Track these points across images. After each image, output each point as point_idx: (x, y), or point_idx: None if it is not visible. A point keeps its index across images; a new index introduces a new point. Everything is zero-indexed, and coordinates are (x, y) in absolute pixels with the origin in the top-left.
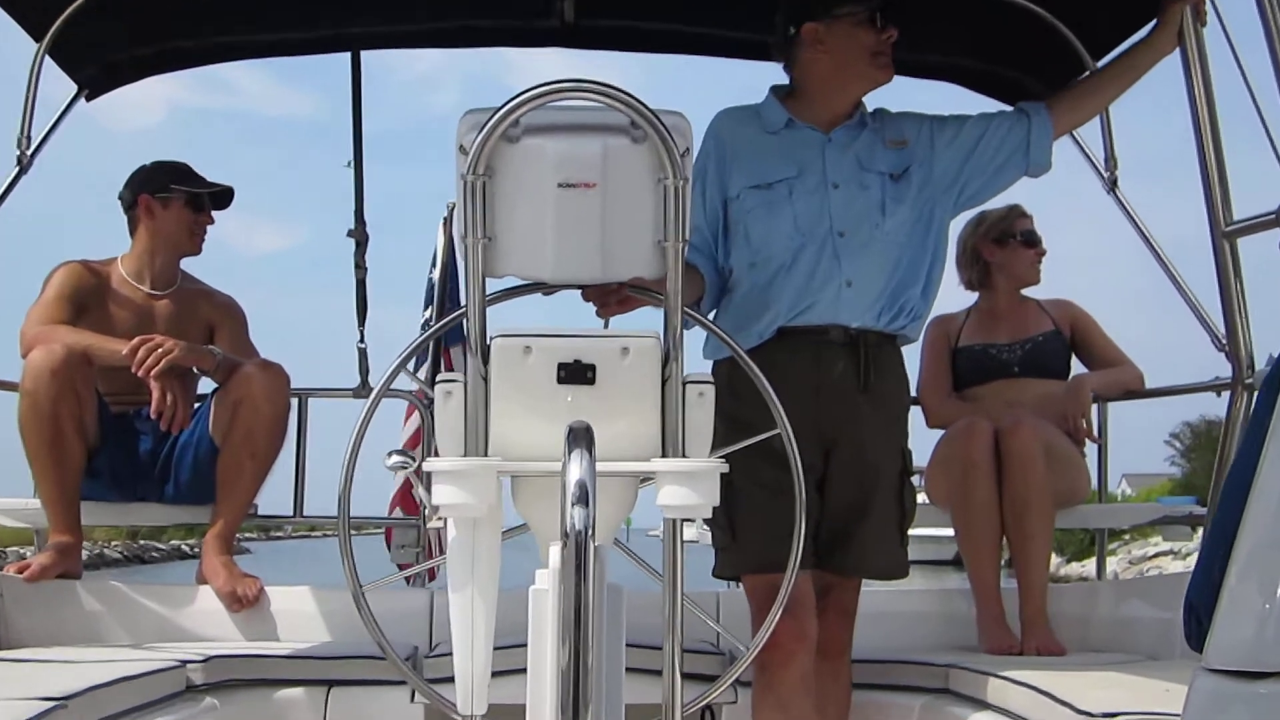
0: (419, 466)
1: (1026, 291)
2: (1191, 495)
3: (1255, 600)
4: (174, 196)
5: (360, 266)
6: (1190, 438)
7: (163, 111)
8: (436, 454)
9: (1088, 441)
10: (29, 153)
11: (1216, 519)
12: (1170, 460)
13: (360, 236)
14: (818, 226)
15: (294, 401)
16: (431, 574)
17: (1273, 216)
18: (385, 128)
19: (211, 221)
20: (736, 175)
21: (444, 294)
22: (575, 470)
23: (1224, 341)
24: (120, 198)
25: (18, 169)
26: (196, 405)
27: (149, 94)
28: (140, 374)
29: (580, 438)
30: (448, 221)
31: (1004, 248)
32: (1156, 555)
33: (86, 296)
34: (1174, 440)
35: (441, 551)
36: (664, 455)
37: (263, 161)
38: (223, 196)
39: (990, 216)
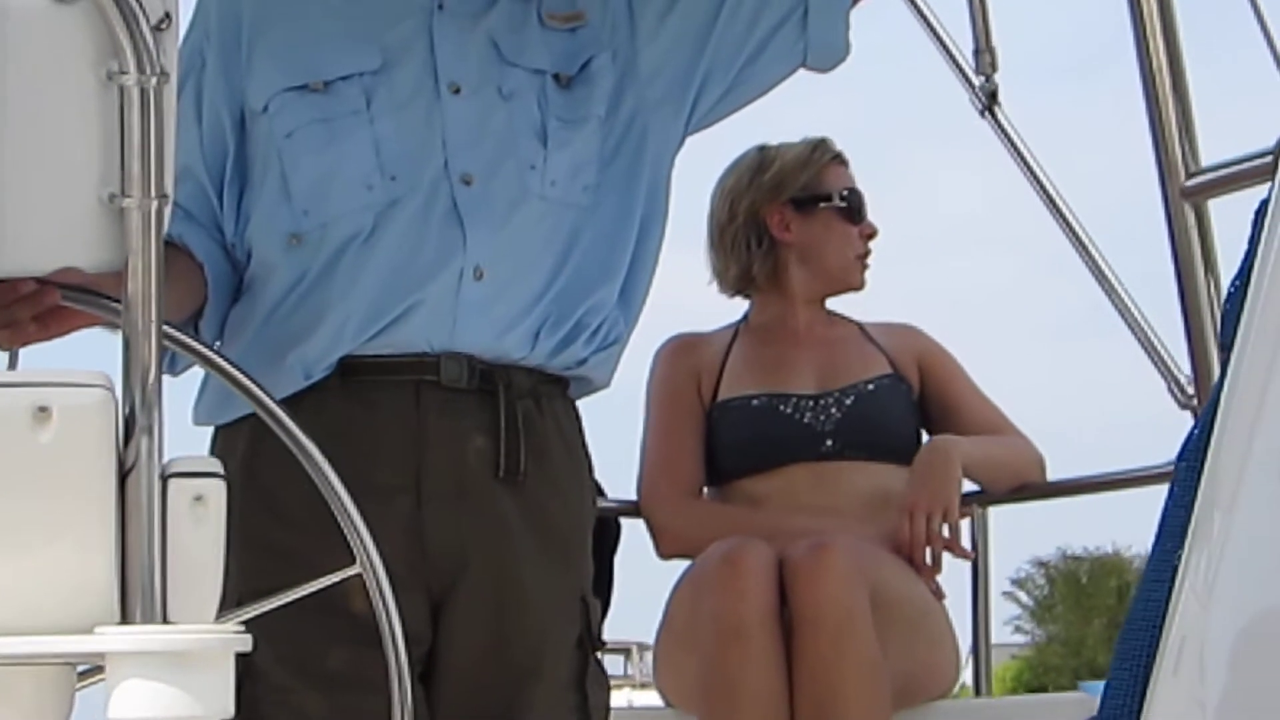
0: None
1: (838, 305)
2: (1047, 679)
3: None
4: None
5: None
6: (1044, 586)
7: None
8: None
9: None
10: None
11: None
12: (1011, 623)
13: None
14: (420, 166)
15: None
16: None
17: (1270, 159)
18: None
19: None
20: (261, 68)
21: None
22: None
23: (1186, 383)
24: None
25: None
26: None
27: None
28: None
29: None
30: None
31: (807, 216)
32: None
33: None
34: (1015, 590)
35: None
36: (124, 620)
37: None
38: None
39: (781, 157)
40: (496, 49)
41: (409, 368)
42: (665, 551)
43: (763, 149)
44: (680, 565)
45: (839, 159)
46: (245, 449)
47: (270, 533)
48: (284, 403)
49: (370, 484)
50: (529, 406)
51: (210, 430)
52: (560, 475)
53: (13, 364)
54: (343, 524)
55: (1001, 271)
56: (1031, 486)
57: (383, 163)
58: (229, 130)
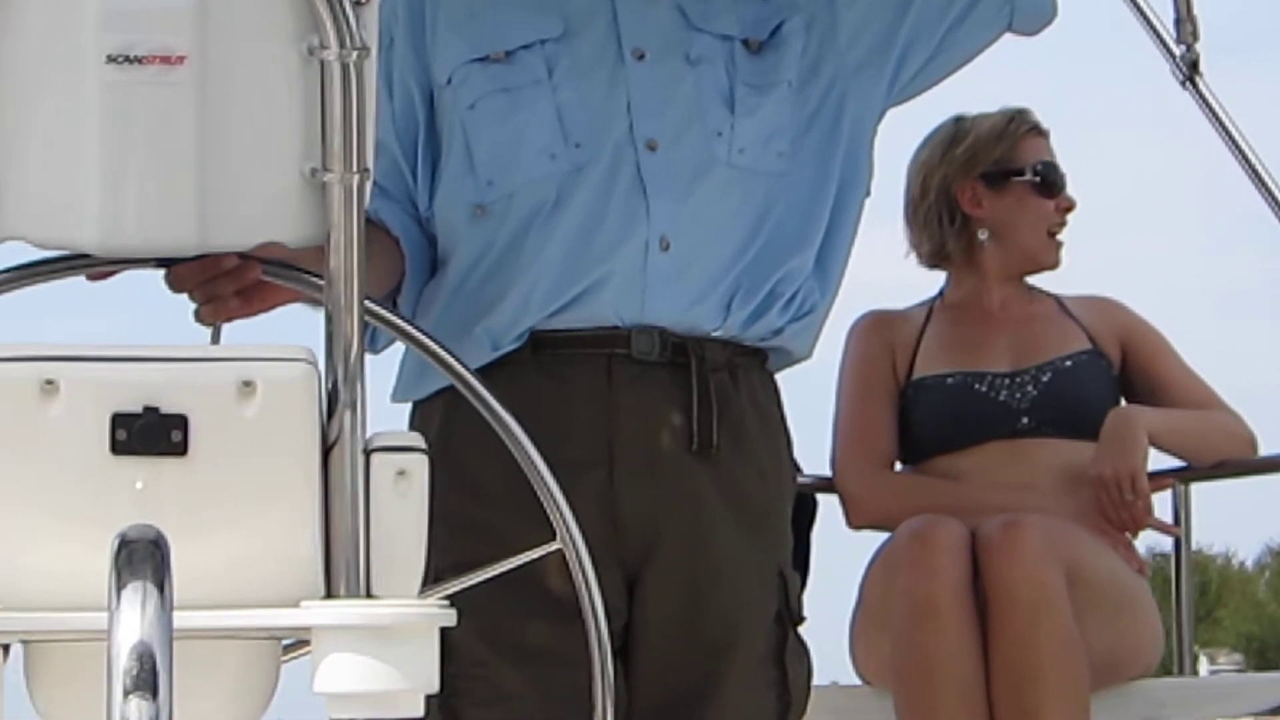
0: None
1: (1038, 280)
2: None
3: None
4: None
5: None
6: None
7: None
8: None
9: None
10: None
11: None
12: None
13: None
14: (604, 133)
15: None
16: None
17: None
18: None
19: None
20: (445, 40)
21: None
22: (132, 622)
23: None
24: None
25: None
26: None
27: None
28: None
29: (141, 559)
30: None
31: (1001, 192)
32: None
33: None
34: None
35: None
36: (328, 595)
37: None
38: None
39: (976, 129)
40: (683, 14)
41: (600, 341)
42: (856, 522)
43: (958, 120)
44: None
45: (1036, 130)
46: (440, 423)
47: (466, 507)
48: (475, 375)
49: (562, 458)
50: (723, 379)
51: (408, 408)
52: (755, 448)
53: (215, 339)
54: (542, 498)
55: (1196, 241)
56: (1234, 463)
57: (566, 130)
58: (419, 105)
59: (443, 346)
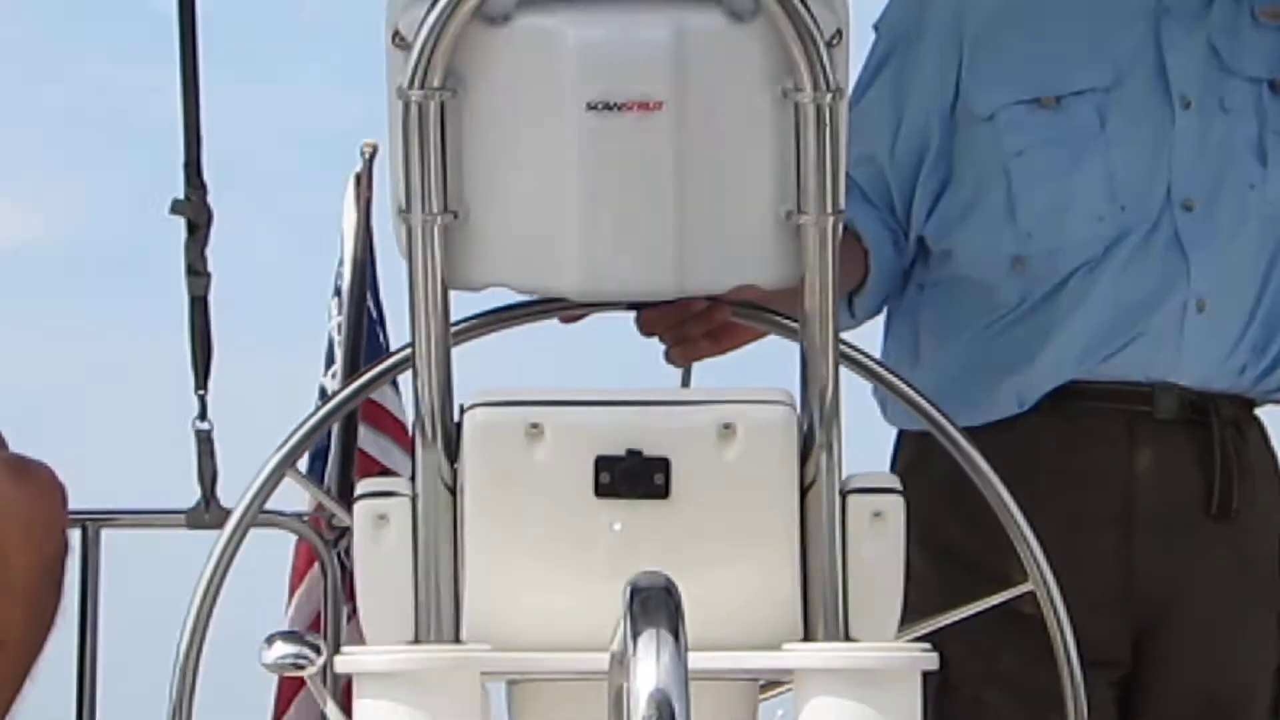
0: (326, 663)
1: None
2: None
3: None
4: None
5: (198, 271)
6: None
7: None
8: (359, 637)
9: None
10: None
11: None
12: None
13: (197, 212)
14: (1146, 194)
15: (75, 536)
16: None
17: None
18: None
19: None
20: (988, 73)
21: (357, 323)
22: (649, 670)
23: None
24: None
25: None
26: None
27: None
28: None
29: (656, 606)
30: (363, 181)
31: None
32: None
33: None
34: None
35: None
36: (806, 637)
37: None
38: None
39: None
40: (1216, 54)
41: (1123, 397)
42: None
43: None
44: None
45: None
46: (936, 463)
47: (959, 541)
48: (995, 425)
49: (1079, 512)
50: (1233, 435)
51: (892, 442)
52: (1263, 503)
53: (685, 381)
54: (1014, 540)
55: None
56: None
57: (1113, 191)
58: (935, 126)
59: (911, 387)
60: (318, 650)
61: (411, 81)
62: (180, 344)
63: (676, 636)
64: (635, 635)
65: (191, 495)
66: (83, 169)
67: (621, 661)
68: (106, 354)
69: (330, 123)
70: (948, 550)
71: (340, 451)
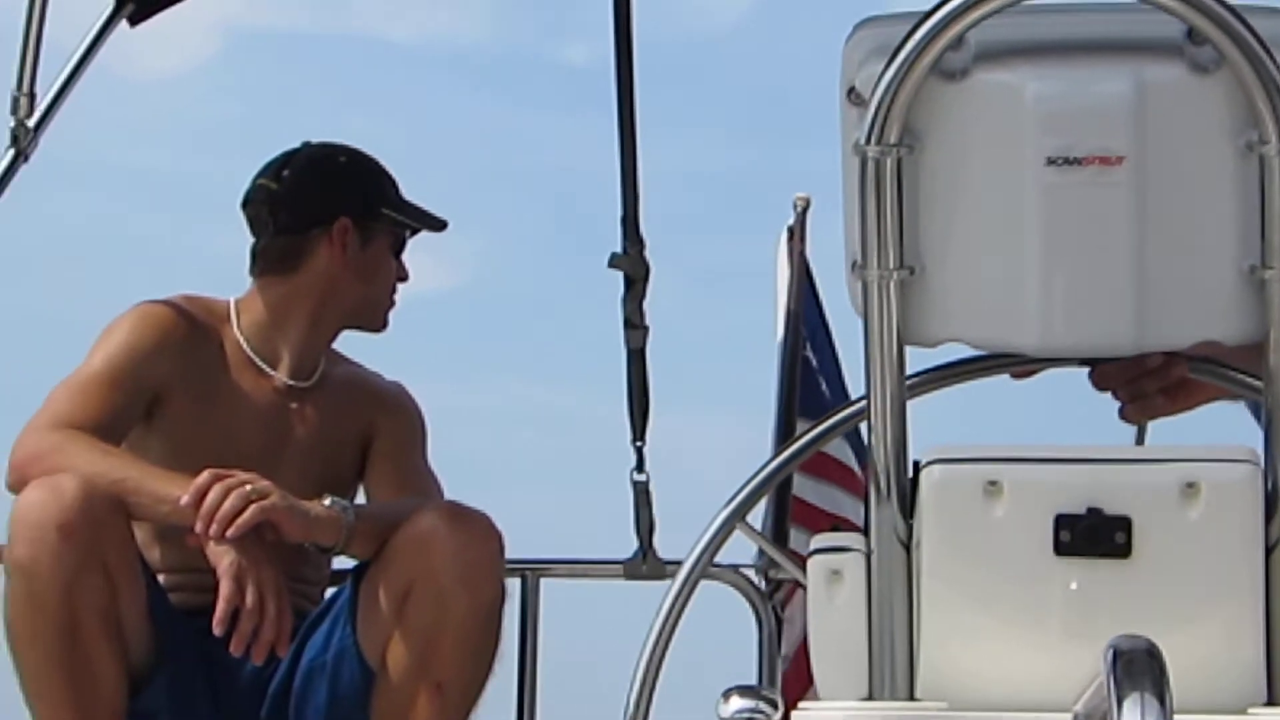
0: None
1: None
2: None
3: None
4: (381, 227)
5: (635, 325)
6: None
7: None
8: (813, 692)
9: None
10: (32, 124)
11: None
12: None
13: (635, 267)
14: None
15: (515, 585)
16: None
17: None
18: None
19: (406, 278)
20: None
21: (792, 376)
22: None
23: None
24: (273, 203)
25: (13, 152)
26: (330, 593)
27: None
28: (203, 539)
29: (1141, 670)
30: (796, 234)
31: None
32: None
33: (169, 378)
34: None
35: None
36: (1269, 702)
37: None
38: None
39: None
40: None
41: None
42: None
43: None
44: None
45: None
46: None
47: None
48: None
49: None
50: None
51: None
52: None
53: (1140, 439)
54: None
55: None
56: None
57: None
58: None
59: None
60: (775, 705)
61: (869, 137)
62: (586, 393)
63: (1163, 701)
64: (1120, 699)
65: (629, 546)
66: (483, 219)
67: None
68: (516, 404)
69: (721, 170)
70: None
71: (775, 502)
